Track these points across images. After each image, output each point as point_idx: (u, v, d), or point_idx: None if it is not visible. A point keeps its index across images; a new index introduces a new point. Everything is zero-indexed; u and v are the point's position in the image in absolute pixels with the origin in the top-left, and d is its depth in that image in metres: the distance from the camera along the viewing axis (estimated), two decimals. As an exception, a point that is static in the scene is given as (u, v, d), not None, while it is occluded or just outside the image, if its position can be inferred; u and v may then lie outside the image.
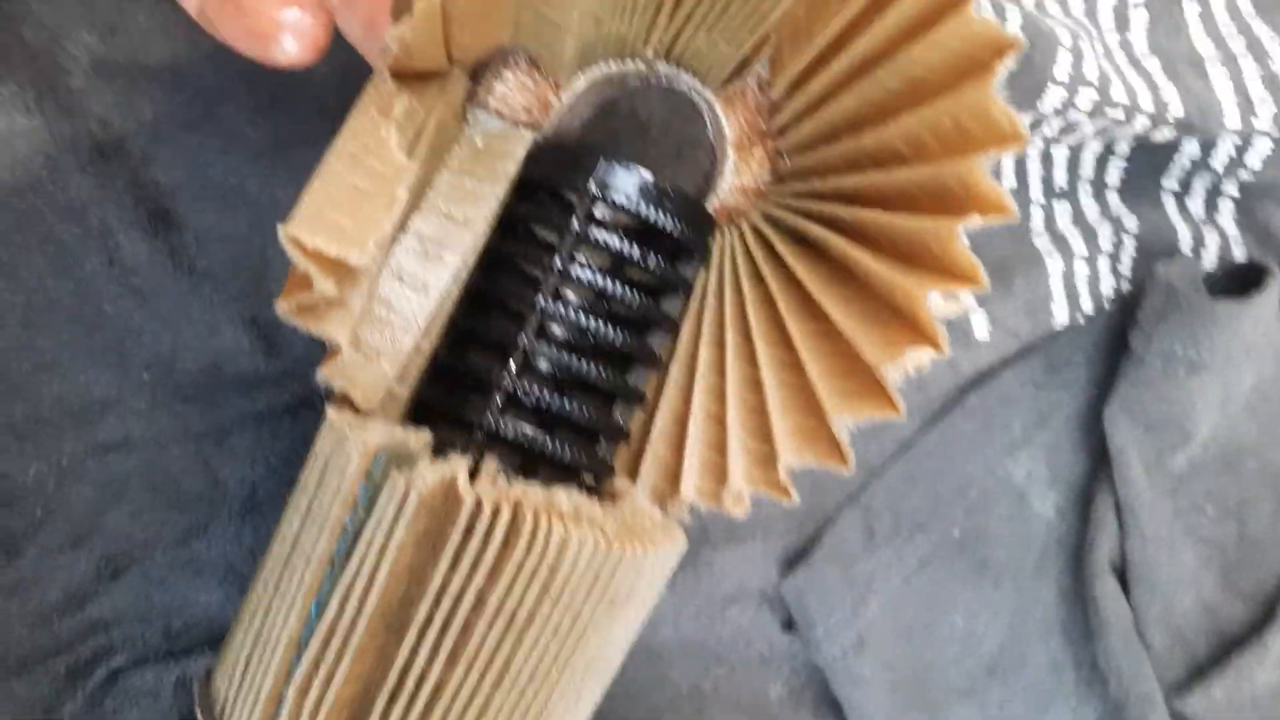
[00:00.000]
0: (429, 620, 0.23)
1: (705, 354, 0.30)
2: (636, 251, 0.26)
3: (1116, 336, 0.36)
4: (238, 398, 0.30)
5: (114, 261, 0.29)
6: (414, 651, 0.23)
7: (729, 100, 0.30)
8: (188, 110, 0.29)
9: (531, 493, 0.23)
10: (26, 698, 0.28)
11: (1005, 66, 0.25)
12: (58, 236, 0.28)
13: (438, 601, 0.23)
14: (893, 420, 0.27)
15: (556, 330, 0.26)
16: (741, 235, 0.31)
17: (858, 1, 0.27)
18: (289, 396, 0.30)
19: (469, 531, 0.22)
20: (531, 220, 0.27)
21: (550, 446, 0.26)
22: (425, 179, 0.26)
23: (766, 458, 0.29)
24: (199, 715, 0.26)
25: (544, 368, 0.26)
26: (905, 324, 0.27)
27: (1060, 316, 0.37)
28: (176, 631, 0.29)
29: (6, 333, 0.28)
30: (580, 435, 0.27)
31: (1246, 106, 0.35)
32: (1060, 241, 0.37)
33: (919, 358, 0.26)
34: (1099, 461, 0.36)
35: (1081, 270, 0.37)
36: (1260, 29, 0.37)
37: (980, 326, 0.36)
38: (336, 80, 0.29)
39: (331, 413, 0.25)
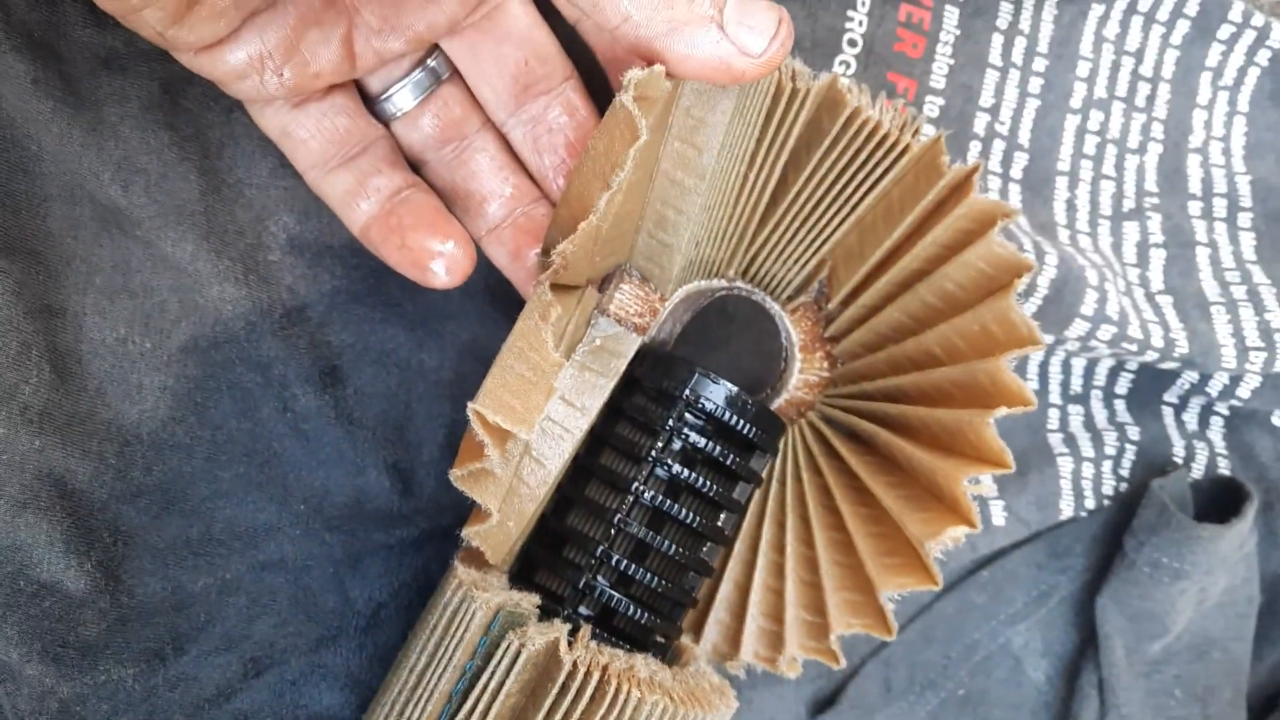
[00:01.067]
0: None
1: (767, 533, 0.36)
2: (718, 448, 0.32)
3: (1112, 532, 0.43)
4: (374, 530, 0.35)
5: (287, 409, 0.34)
6: None
7: (794, 311, 0.37)
8: (360, 284, 0.35)
9: (617, 659, 0.29)
10: (178, 776, 0.33)
11: (1023, 283, 0.31)
12: (244, 385, 0.34)
13: None
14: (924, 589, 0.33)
15: (645, 507, 0.32)
16: (802, 431, 0.37)
17: (902, 229, 0.33)
18: (417, 532, 0.36)
19: (564, 688, 0.28)
20: (634, 413, 0.33)
21: (631, 610, 0.31)
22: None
23: (819, 629, 0.35)
24: None
25: (631, 540, 0.32)
26: (944, 505, 0.33)
27: (1066, 510, 0.43)
28: (302, 725, 0.35)
29: (194, 463, 0.33)
30: (657, 600, 0.32)
31: (1242, 352, 0.41)
32: (1071, 442, 0.44)
33: (956, 534, 0.32)
34: (1086, 639, 0.42)
35: (1088, 470, 0.43)
36: (1260, 277, 0.44)
37: (998, 514, 0.42)
38: (479, 267, 0.35)
39: (460, 570, 0.31)
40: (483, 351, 0.37)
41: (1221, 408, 0.45)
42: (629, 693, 0.28)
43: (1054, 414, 0.44)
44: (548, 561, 0.33)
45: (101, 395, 0.33)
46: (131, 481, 0.33)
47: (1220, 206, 0.45)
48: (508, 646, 0.28)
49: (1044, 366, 0.44)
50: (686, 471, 0.32)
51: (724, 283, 0.36)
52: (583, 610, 0.31)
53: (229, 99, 0.33)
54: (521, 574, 0.33)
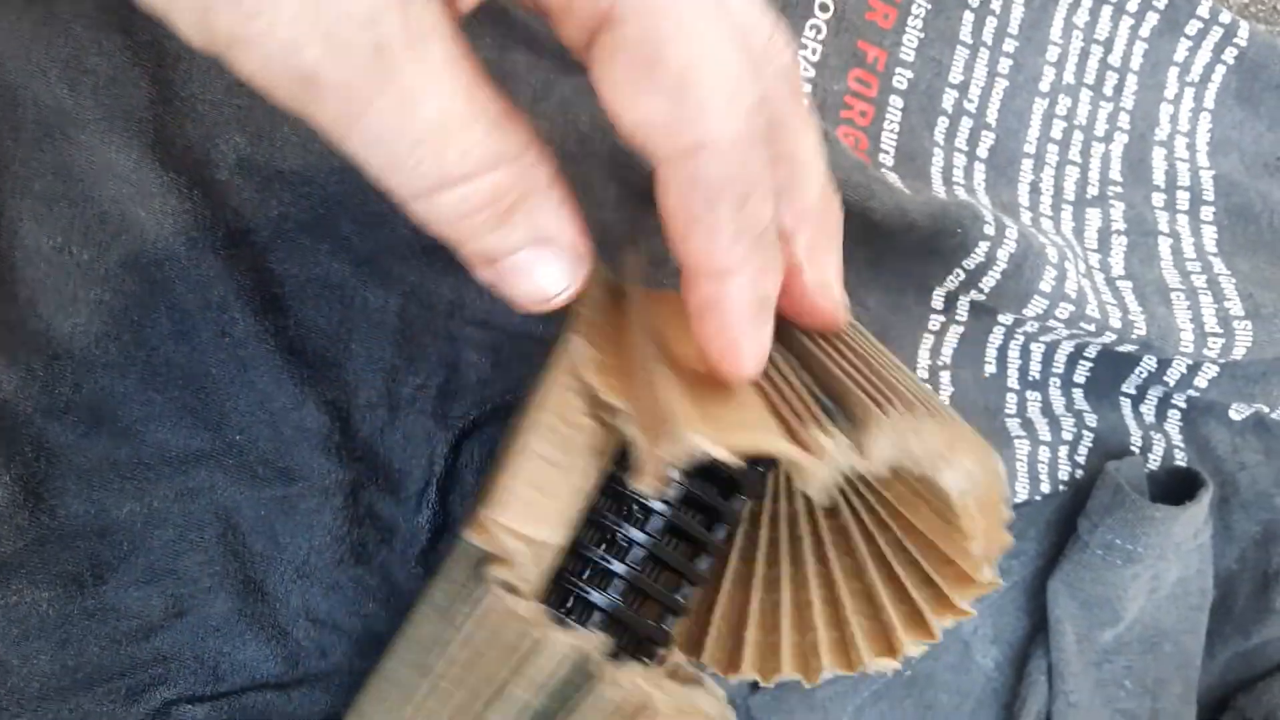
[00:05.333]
0: None
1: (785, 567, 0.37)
2: (701, 490, 0.32)
3: (1066, 517, 0.44)
4: (307, 471, 0.36)
5: (225, 333, 0.35)
6: None
7: None
8: (308, 214, 0.36)
9: (663, 692, 0.30)
10: (89, 712, 0.33)
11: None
12: (183, 305, 0.35)
13: None
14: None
15: (636, 550, 0.32)
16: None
17: None
18: (351, 475, 0.37)
19: None
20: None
21: (640, 625, 0.32)
22: None
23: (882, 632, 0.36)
24: None
25: (618, 573, 0.31)
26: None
27: (1021, 493, 0.45)
28: (223, 674, 0.35)
29: (128, 382, 0.34)
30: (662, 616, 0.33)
31: (1200, 337, 0.44)
32: (1028, 426, 0.46)
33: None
34: (1037, 626, 0.44)
35: (1043, 455, 0.45)
36: (1220, 268, 0.46)
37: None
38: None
39: (507, 599, 0.28)
40: (429, 297, 0.38)
41: (1179, 400, 0.47)
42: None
43: (1012, 399, 0.46)
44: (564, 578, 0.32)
45: (32, 305, 0.33)
46: (59, 397, 0.33)
47: (1183, 199, 0.48)
48: (597, 697, 0.28)
49: (1003, 351, 0.46)
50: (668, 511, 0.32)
51: None
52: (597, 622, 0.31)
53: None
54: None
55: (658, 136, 0.23)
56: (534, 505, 0.27)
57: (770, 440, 0.26)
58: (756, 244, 0.25)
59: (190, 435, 0.35)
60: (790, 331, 0.33)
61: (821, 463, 0.27)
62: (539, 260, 0.25)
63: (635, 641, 0.33)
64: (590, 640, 0.29)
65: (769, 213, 0.25)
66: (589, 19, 0.23)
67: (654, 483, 0.26)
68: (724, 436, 0.25)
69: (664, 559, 0.32)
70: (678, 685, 0.31)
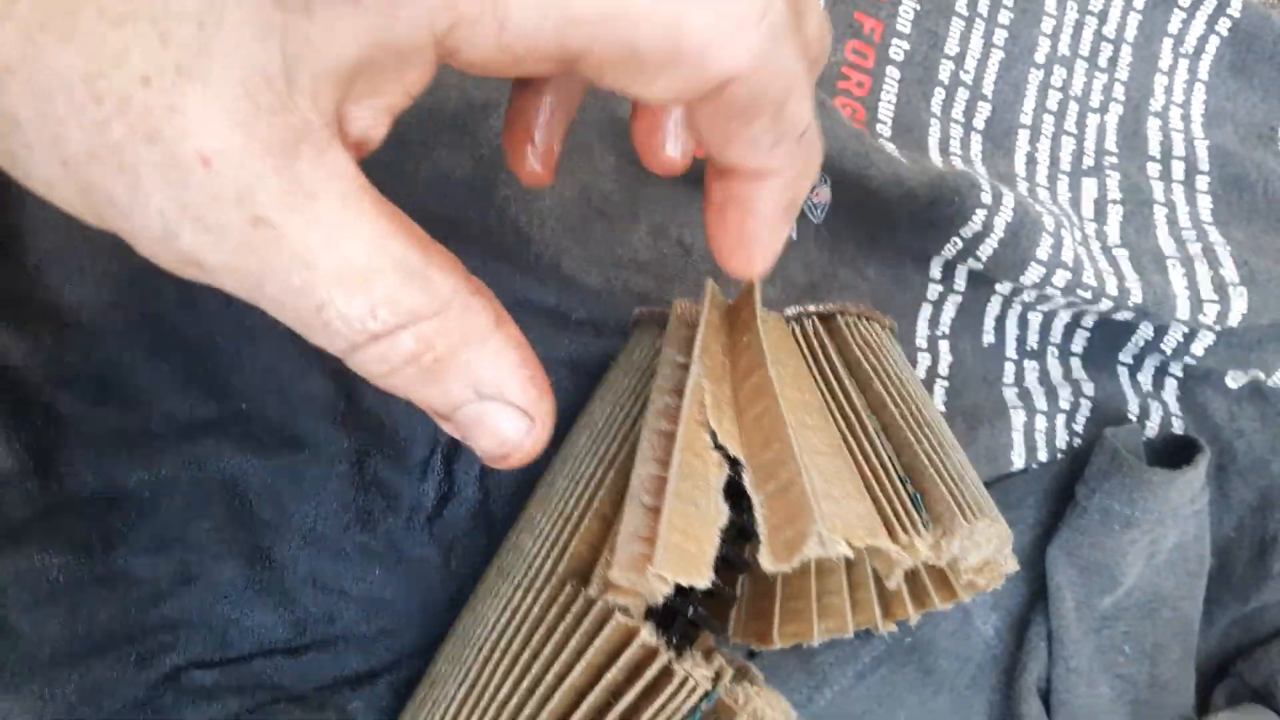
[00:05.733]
0: None
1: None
2: None
3: (1064, 484, 0.45)
4: (314, 439, 0.37)
5: (231, 302, 0.35)
6: None
7: None
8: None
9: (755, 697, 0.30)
10: (99, 677, 0.34)
11: None
12: (188, 276, 0.35)
13: None
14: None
15: None
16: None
17: None
18: (356, 444, 0.37)
19: None
20: None
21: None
22: None
23: None
24: None
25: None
26: None
27: (1017, 461, 0.45)
28: (231, 640, 0.36)
29: (135, 352, 0.35)
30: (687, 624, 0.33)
31: (1196, 303, 0.44)
32: (1025, 396, 0.46)
33: None
34: (1037, 593, 0.45)
35: (1040, 424, 0.46)
36: (1215, 236, 0.47)
37: (950, 462, 0.45)
38: (472, 198, 0.36)
39: (648, 637, 0.28)
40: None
41: (1176, 368, 0.48)
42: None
43: (1010, 368, 0.47)
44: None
45: (41, 275, 0.34)
46: (68, 366, 0.34)
47: (1178, 169, 0.49)
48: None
49: (1000, 320, 0.47)
50: None
51: None
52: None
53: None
54: None
55: (687, 96, 0.22)
56: (685, 553, 0.26)
57: (880, 541, 0.27)
58: (797, 145, 0.24)
59: (197, 404, 0.35)
60: (869, 381, 0.34)
61: (909, 559, 0.28)
62: (488, 414, 0.23)
63: (685, 624, 0.33)
64: (714, 668, 0.29)
65: (808, 111, 0.23)
66: (552, 66, 0.21)
67: (779, 562, 0.26)
68: (848, 533, 0.25)
69: (730, 559, 0.32)
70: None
